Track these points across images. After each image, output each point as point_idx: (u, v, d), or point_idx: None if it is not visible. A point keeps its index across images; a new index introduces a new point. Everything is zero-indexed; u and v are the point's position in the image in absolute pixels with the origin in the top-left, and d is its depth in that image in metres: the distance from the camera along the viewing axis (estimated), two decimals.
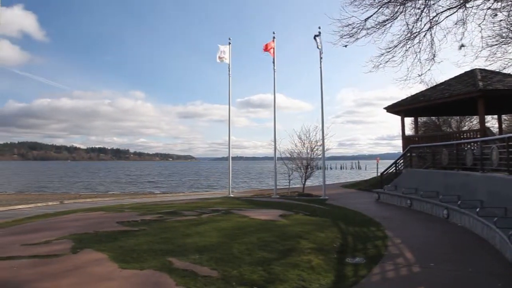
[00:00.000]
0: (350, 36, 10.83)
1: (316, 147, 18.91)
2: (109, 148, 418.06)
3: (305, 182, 19.24)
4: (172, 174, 77.38)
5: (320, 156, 18.72)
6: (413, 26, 10.49)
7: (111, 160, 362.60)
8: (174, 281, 4.63)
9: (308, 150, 19.01)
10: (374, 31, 10.65)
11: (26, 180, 51.44)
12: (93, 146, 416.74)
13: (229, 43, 19.05)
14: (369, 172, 64.89)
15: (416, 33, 10.60)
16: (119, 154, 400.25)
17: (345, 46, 11.04)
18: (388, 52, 11.05)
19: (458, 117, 28.26)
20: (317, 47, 17.56)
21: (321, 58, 17.66)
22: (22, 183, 44.46)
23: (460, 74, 17.74)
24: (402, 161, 17.92)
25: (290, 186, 19.88)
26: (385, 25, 10.48)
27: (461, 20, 10.27)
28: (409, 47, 10.90)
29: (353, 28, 10.69)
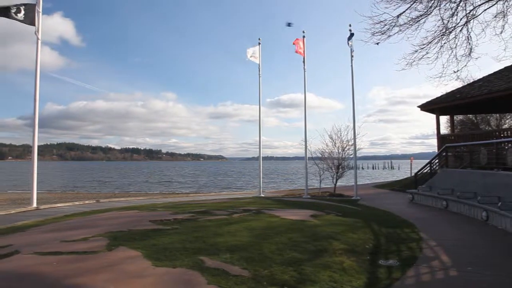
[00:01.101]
0: (382, 34, 10.60)
1: (347, 147, 18.65)
2: (142, 148, 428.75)
3: (336, 182, 19.01)
4: (203, 174, 78.37)
5: (351, 156, 18.46)
6: (448, 21, 10.14)
7: (144, 160, 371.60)
8: (205, 279, 4.68)
9: (340, 150, 18.78)
10: (407, 28, 10.38)
11: (64, 180, 53.57)
12: (127, 147, 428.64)
13: (259, 43, 19.10)
14: (402, 172, 63.34)
15: (452, 28, 10.24)
16: (151, 154, 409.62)
17: (377, 43, 10.82)
18: (422, 48, 10.74)
19: (497, 115, 27.09)
20: (348, 46, 17.30)
21: (352, 56, 17.39)
22: (60, 183, 46.34)
23: (500, 70, 16.97)
24: (437, 160, 17.36)
25: (321, 186, 19.70)
26: (419, 21, 10.19)
27: (501, 12, 9.83)
28: (444, 43, 10.55)
29: (385, 25, 10.46)
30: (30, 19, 13.74)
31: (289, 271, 5.08)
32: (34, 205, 13.58)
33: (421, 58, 10.86)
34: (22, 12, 13.49)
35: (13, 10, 13.32)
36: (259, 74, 19.01)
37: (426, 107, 19.05)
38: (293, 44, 18.24)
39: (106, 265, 5.29)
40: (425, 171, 18.08)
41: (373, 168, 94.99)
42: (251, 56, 18.59)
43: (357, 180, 17.65)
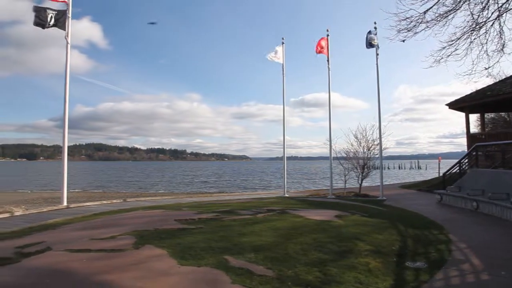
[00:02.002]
0: (408, 31, 10.35)
1: (373, 146, 18.38)
2: (167, 148, 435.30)
3: (361, 182, 18.75)
4: (228, 173, 78.85)
5: (377, 156, 18.17)
6: (478, 15, 9.80)
7: (169, 160, 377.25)
8: (230, 278, 4.71)
9: (365, 150, 18.53)
10: (435, 24, 10.09)
11: (93, 179, 55.03)
12: (153, 147, 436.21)
13: (283, 43, 19.05)
14: (430, 172, 61.84)
15: (482, 23, 9.89)
16: (176, 154, 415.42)
17: (403, 41, 10.57)
18: (451, 45, 10.42)
19: None
20: (373, 44, 17.01)
21: (377, 54, 17.10)
22: (89, 182, 47.62)
23: None
24: (466, 160, 16.85)
25: (346, 187, 19.48)
26: (447, 16, 9.89)
27: None
28: (474, 39, 10.19)
29: (411, 21, 10.21)
30: (60, 24, 14.19)
31: (313, 271, 5.05)
32: (65, 203, 14.01)
33: (450, 55, 10.54)
34: (52, 18, 13.94)
35: (44, 16, 13.78)
36: (283, 74, 18.96)
37: (455, 105, 18.52)
38: (318, 52, 18.10)
39: (133, 263, 5.40)
40: (454, 171, 17.58)
41: (399, 168, 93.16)
42: (274, 56, 18.57)
43: (382, 180, 17.35)
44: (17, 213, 11.72)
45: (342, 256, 5.86)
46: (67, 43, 14.38)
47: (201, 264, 5.32)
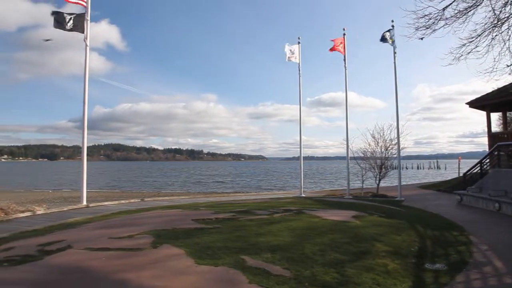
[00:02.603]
0: (427, 28, 10.16)
1: (390, 146, 18.15)
2: (184, 149, 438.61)
3: (379, 182, 18.54)
4: (244, 173, 79.01)
5: (395, 155, 17.94)
6: (500, 11, 9.54)
7: (186, 160, 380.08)
8: (247, 278, 4.72)
9: (382, 149, 18.32)
10: (454, 21, 9.87)
11: (111, 179, 55.91)
12: (170, 147, 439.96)
13: (299, 43, 18.99)
14: (449, 172, 60.68)
15: (504, 19, 9.63)
16: (193, 154, 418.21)
17: (421, 38, 10.39)
18: (471, 42, 10.18)
19: None
20: (387, 39, 16.78)
21: (394, 53, 16.87)
22: (107, 182, 48.40)
23: None
24: (488, 160, 16.47)
25: (364, 187, 19.28)
26: (467, 13, 9.67)
27: None
28: (496, 35, 9.93)
29: (430, 18, 10.01)
30: (79, 27, 14.46)
31: (331, 272, 5.02)
32: (84, 203, 14.28)
33: (470, 52, 10.29)
34: (71, 21, 14.22)
35: (63, 19, 14.08)
36: (299, 74, 18.89)
37: (476, 103, 18.12)
38: (332, 41, 17.98)
39: (151, 262, 5.46)
40: (474, 171, 17.21)
41: (417, 168, 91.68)
42: (290, 56, 18.52)
43: (401, 180, 17.12)
44: (39, 212, 12.00)
45: (359, 257, 5.80)
46: (86, 45, 14.65)
47: (218, 263, 5.35)
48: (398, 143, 17.04)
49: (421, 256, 6.20)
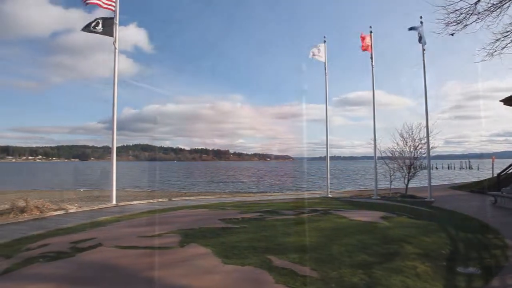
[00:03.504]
0: (458, 23, 9.85)
1: (420, 145, 17.70)
2: (210, 149, 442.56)
3: (408, 182, 18.12)
4: (270, 173, 78.96)
5: (424, 155, 17.48)
6: None
7: (212, 160, 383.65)
8: (273, 278, 4.71)
9: (411, 149, 17.89)
10: (487, 15, 9.52)
11: (139, 179, 57.07)
12: (196, 148, 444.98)
13: (324, 42, 18.80)
14: (482, 172, 58.61)
15: None
16: (219, 154, 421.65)
17: (452, 34, 10.07)
18: (505, 36, 9.79)
19: None
20: (419, 40, 16.37)
21: (423, 50, 16.43)
22: (136, 181, 49.43)
23: None
24: None
25: (392, 187, 18.90)
26: (501, 6, 9.31)
27: None
28: None
29: (461, 13, 9.70)
30: (108, 31, 14.84)
31: (358, 273, 4.94)
32: (114, 202, 14.62)
33: (505, 47, 9.89)
34: (100, 25, 14.62)
35: (93, 24, 14.50)
36: (325, 73, 18.71)
37: (511, 101, 17.42)
38: (361, 38, 17.72)
39: (179, 261, 5.55)
40: (510, 171, 16.55)
41: (448, 168, 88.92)
42: (317, 55, 18.37)
43: (430, 180, 16.67)
44: (71, 211, 12.39)
45: (388, 258, 5.69)
46: (115, 48, 15.01)
47: (245, 263, 5.37)
48: (428, 142, 16.61)
49: (452, 259, 6.02)
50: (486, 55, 10.18)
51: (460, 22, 9.81)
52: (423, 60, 16.49)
